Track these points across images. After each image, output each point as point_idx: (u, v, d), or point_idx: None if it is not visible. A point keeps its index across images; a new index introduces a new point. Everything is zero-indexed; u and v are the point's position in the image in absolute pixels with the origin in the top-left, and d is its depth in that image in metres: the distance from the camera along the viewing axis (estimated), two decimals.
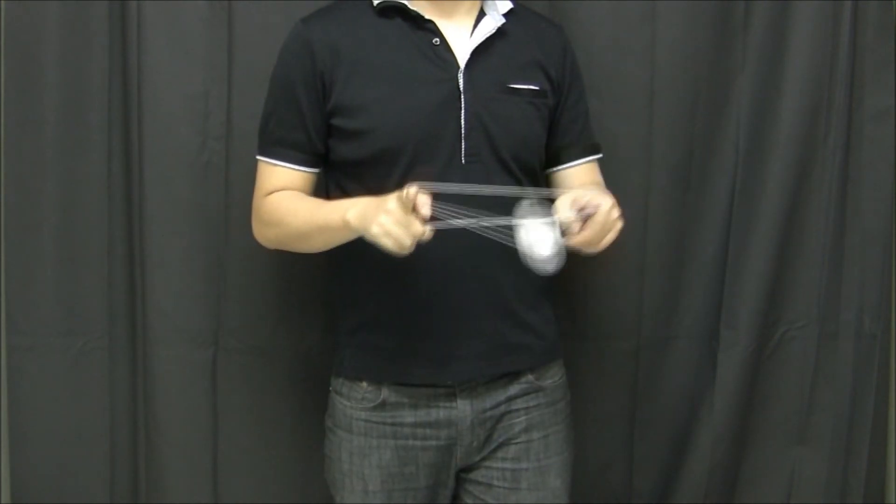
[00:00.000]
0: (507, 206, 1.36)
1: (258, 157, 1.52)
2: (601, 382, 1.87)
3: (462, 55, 1.45)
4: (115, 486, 1.83)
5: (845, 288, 1.89)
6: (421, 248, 1.27)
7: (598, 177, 1.62)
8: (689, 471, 1.92)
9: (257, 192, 1.53)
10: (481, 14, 1.49)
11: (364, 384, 1.50)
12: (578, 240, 1.33)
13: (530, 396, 1.53)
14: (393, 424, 1.48)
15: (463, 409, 1.49)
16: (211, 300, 1.77)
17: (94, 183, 1.75)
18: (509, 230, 1.33)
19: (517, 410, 1.52)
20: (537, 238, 1.30)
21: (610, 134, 1.75)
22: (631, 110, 1.80)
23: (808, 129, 1.84)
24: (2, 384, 1.80)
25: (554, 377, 1.57)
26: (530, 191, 1.40)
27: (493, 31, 1.47)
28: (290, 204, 1.47)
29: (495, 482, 1.53)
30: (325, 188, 1.53)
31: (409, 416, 1.48)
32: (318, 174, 1.52)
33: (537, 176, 1.54)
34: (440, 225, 1.27)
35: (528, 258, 1.31)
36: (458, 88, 1.44)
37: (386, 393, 1.48)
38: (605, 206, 1.32)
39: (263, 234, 1.54)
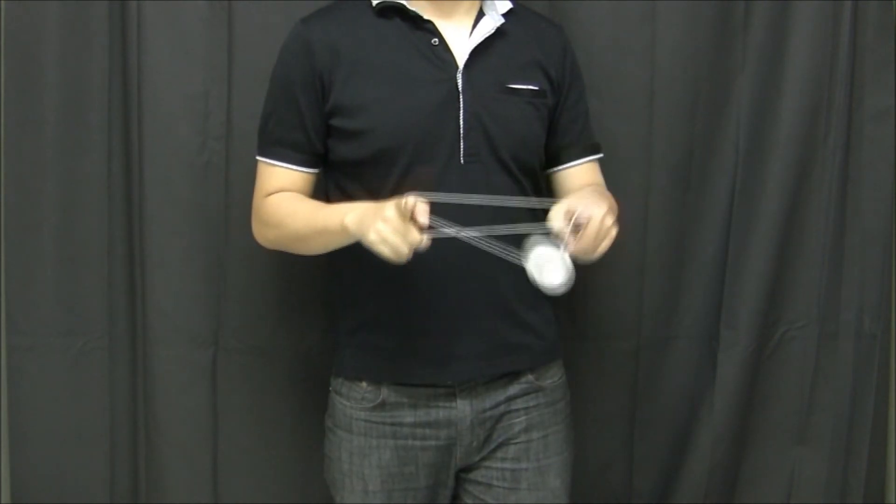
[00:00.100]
0: (504, 212, 1.37)
1: (258, 158, 1.52)
2: (601, 382, 1.87)
3: (461, 55, 1.45)
4: (115, 486, 1.83)
5: (845, 288, 1.89)
6: (419, 251, 1.27)
7: (599, 177, 1.62)
8: (689, 471, 1.92)
9: (257, 192, 1.53)
10: (480, 14, 1.49)
11: (364, 384, 1.50)
12: (573, 250, 1.32)
13: (530, 396, 1.53)
14: (393, 424, 1.48)
15: (462, 409, 1.49)
16: (211, 300, 1.77)
17: (94, 183, 1.76)
18: (506, 240, 1.33)
19: (517, 410, 1.52)
20: (549, 268, 1.30)
21: (610, 134, 1.75)
22: (631, 110, 1.80)
23: (808, 129, 1.84)
24: (2, 384, 1.80)
25: (554, 377, 1.57)
26: (531, 200, 1.40)
27: (493, 31, 1.47)
28: (290, 206, 1.47)
29: (495, 482, 1.53)
30: (325, 188, 1.53)
31: (408, 416, 1.48)
32: (317, 174, 1.52)
33: (537, 176, 1.54)
34: (438, 234, 1.27)
35: (538, 285, 1.31)
36: (457, 88, 1.44)
37: (386, 393, 1.48)
38: (598, 215, 1.31)
39: (263, 234, 1.54)
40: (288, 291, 1.79)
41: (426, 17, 1.46)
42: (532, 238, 1.32)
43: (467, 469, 1.53)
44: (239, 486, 1.83)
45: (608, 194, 1.56)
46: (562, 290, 1.32)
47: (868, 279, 1.88)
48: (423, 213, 1.25)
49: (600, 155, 1.62)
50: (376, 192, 1.43)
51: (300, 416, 1.80)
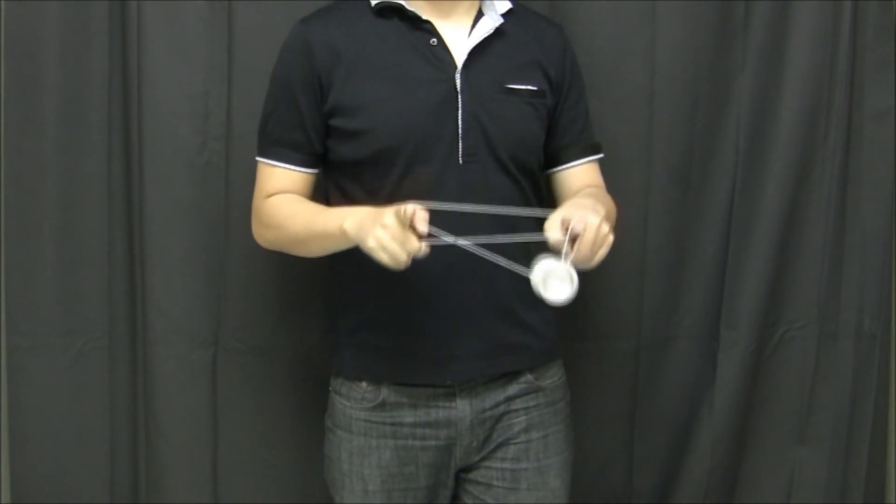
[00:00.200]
0: (502, 215, 1.37)
1: (257, 159, 1.52)
2: (601, 382, 1.87)
3: (460, 55, 1.45)
4: (115, 486, 1.83)
5: (845, 288, 1.89)
6: (418, 258, 1.27)
7: (599, 178, 1.61)
8: (689, 471, 1.92)
9: (257, 193, 1.53)
10: (480, 14, 1.49)
11: (364, 384, 1.50)
12: (571, 259, 1.32)
13: (530, 396, 1.53)
14: (392, 424, 1.49)
15: (462, 409, 1.49)
16: (211, 300, 1.77)
17: (94, 183, 1.75)
18: (505, 246, 1.33)
19: (516, 410, 1.52)
20: (554, 282, 1.30)
21: (610, 134, 1.74)
22: (631, 110, 1.80)
23: (808, 129, 1.84)
24: (2, 384, 1.80)
25: (553, 377, 1.57)
26: (527, 210, 1.40)
27: (491, 31, 1.47)
28: (290, 208, 1.47)
29: (495, 482, 1.53)
30: (325, 189, 1.53)
31: (408, 416, 1.48)
32: (317, 175, 1.52)
33: (536, 176, 1.54)
34: (436, 242, 1.27)
35: (544, 299, 1.31)
36: (456, 89, 1.44)
37: (385, 393, 1.48)
38: (594, 223, 1.31)
39: (263, 235, 1.54)
40: (288, 291, 1.79)
41: (425, 17, 1.46)
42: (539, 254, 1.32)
43: (467, 469, 1.53)
44: (239, 486, 1.83)
45: (607, 196, 1.56)
46: (566, 303, 1.32)
47: (868, 279, 1.88)
48: (422, 221, 1.25)
49: (600, 155, 1.62)
50: (375, 192, 1.43)
51: (300, 416, 1.80)
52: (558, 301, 1.30)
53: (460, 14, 1.48)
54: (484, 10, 1.49)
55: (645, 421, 1.90)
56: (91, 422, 1.80)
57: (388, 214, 1.26)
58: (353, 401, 1.50)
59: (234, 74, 1.73)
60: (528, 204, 1.50)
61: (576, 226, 1.29)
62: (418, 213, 1.24)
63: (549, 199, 1.60)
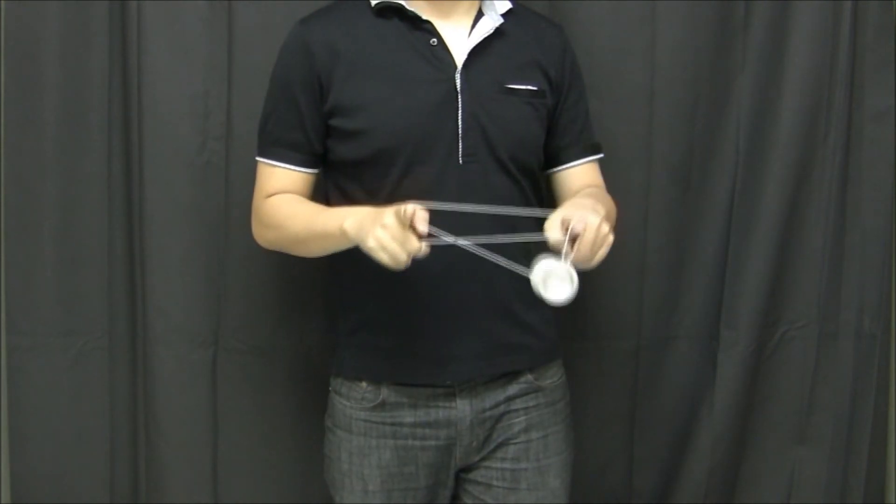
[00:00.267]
0: (502, 217, 1.37)
1: (257, 159, 1.52)
2: (601, 382, 1.87)
3: (459, 55, 1.45)
4: (115, 486, 1.83)
5: (845, 288, 1.89)
6: (418, 258, 1.27)
7: (598, 178, 1.61)
8: (689, 471, 1.92)
9: (257, 193, 1.53)
10: (480, 14, 1.49)
11: (363, 384, 1.50)
12: (571, 259, 1.32)
13: (529, 396, 1.53)
14: (392, 424, 1.49)
15: (462, 409, 1.49)
16: (211, 300, 1.77)
17: (94, 183, 1.76)
18: (505, 246, 1.33)
19: (516, 410, 1.52)
20: (554, 282, 1.30)
21: (610, 134, 1.74)
22: (631, 110, 1.80)
23: (808, 129, 1.84)
24: (2, 384, 1.80)
25: (553, 377, 1.57)
26: (527, 210, 1.40)
27: (491, 31, 1.47)
28: (290, 208, 1.47)
29: (494, 482, 1.53)
30: (325, 189, 1.53)
31: (408, 416, 1.48)
32: (316, 175, 1.52)
33: (535, 176, 1.54)
34: (436, 242, 1.27)
35: (544, 299, 1.30)
36: (456, 89, 1.44)
37: (385, 393, 1.48)
38: (594, 223, 1.30)
39: (263, 235, 1.54)
40: (288, 291, 1.79)
41: (425, 17, 1.45)
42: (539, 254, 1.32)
43: (467, 469, 1.53)
44: (239, 486, 1.83)
45: (607, 196, 1.56)
46: (566, 303, 1.32)
47: (868, 279, 1.88)
48: (422, 222, 1.25)
49: (600, 155, 1.62)
50: (375, 192, 1.43)
51: (300, 416, 1.80)
52: (558, 301, 1.30)
53: (460, 14, 1.48)
54: (484, 10, 1.49)
55: (645, 421, 1.89)
56: (91, 422, 1.80)
57: (389, 214, 1.26)
58: (353, 401, 1.50)
59: (234, 74, 1.73)
60: (527, 204, 1.50)
61: (576, 226, 1.29)
62: (418, 213, 1.24)
63: (549, 199, 1.60)
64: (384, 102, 1.42)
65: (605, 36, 1.78)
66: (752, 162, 1.84)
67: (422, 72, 1.44)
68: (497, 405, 1.51)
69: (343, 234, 1.34)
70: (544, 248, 1.32)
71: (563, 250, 1.29)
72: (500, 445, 1.52)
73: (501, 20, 1.49)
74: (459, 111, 1.44)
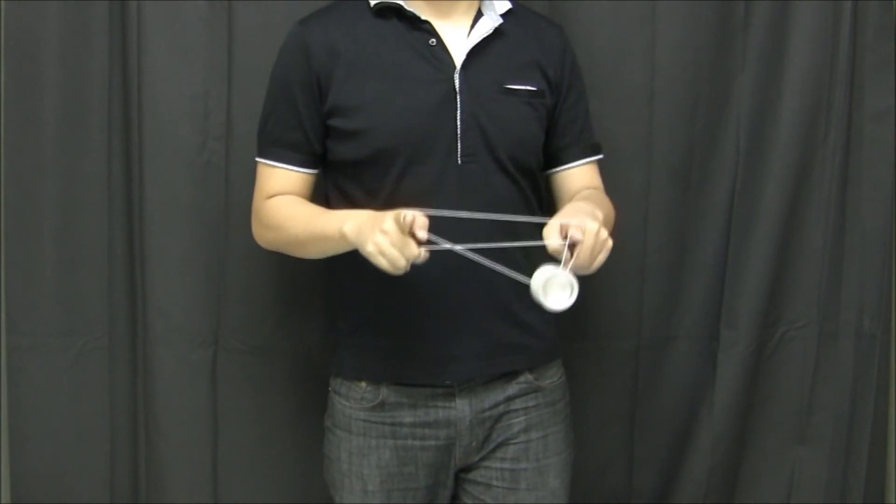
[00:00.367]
0: (501, 220, 1.37)
1: (257, 159, 1.52)
2: (601, 382, 1.87)
3: (458, 55, 1.45)
4: (115, 486, 1.83)
5: (845, 288, 1.89)
6: (417, 264, 1.27)
7: (597, 180, 1.61)
8: (689, 471, 1.92)
9: (257, 194, 1.53)
10: (479, 15, 1.49)
11: (363, 384, 1.50)
12: (570, 266, 1.31)
13: (529, 396, 1.53)
14: (392, 424, 1.49)
15: (462, 409, 1.49)
16: (211, 300, 1.77)
17: (94, 183, 1.76)
18: (504, 250, 1.33)
19: (516, 410, 1.52)
20: (554, 290, 1.29)
21: (610, 134, 1.74)
22: (631, 110, 1.80)
23: (808, 129, 1.84)
24: (2, 384, 1.80)
25: (553, 377, 1.57)
26: (525, 217, 1.40)
27: (490, 31, 1.47)
28: (290, 209, 1.48)
29: (494, 482, 1.53)
30: (324, 189, 1.53)
31: (407, 416, 1.48)
32: (316, 175, 1.52)
33: (535, 176, 1.54)
34: (436, 248, 1.27)
35: (543, 306, 1.30)
36: (454, 89, 1.44)
37: (385, 393, 1.48)
38: (593, 229, 1.30)
39: (262, 236, 1.54)
40: (288, 291, 1.79)
41: (424, 17, 1.45)
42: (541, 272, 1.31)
43: (466, 469, 1.53)
44: (239, 486, 1.83)
45: (605, 199, 1.56)
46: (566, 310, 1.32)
47: (868, 279, 1.88)
48: (421, 228, 1.25)
49: (599, 156, 1.62)
50: (374, 192, 1.44)
51: (300, 416, 1.80)
52: (558, 309, 1.30)
53: (459, 14, 1.48)
54: (483, 10, 1.49)
55: (645, 421, 1.89)
56: (91, 422, 1.80)
57: (388, 220, 1.26)
58: (353, 401, 1.50)
59: (234, 74, 1.73)
60: (527, 204, 1.50)
61: (574, 234, 1.29)
62: (418, 219, 1.24)
63: (548, 200, 1.60)
64: (383, 102, 1.42)
65: (605, 36, 1.78)
66: (752, 162, 1.84)
67: (421, 72, 1.44)
68: (497, 405, 1.51)
69: (342, 237, 1.34)
70: (544, 251, 1.32)
71: (563, 257, 1.29)
72: (499, 445, 1.52)
73: (501, 20, 1.48)
74: (458, 111, 1.43)
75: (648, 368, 1.88)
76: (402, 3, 1.46)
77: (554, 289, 1.29)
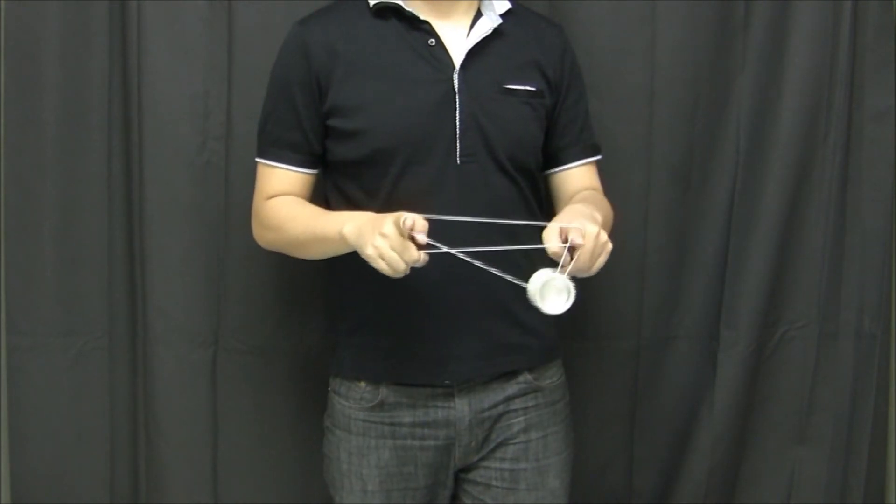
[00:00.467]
0: (501, 216, 1.37)
1: (257, 160, 1.52)
2: (601, 382, 1.87)
3: (458, 56, 1.45)
4: (115, 486, 1.83)
5: (845, 288, 1.89)
6: (416, 267, 1.27)
7: (596, 180, 1.61)
8: (689, 471, 1.92)
9: (257, 194, 1.53)
10: (478, 15, 1.49)
11: (362, 384, 1.50)
12: (570, 269, 1.31)
13: (529, 396, 1.53)
14: (391, 424, 1.49)
15: (461, 409, 1.49)
16: (211, 300, 1.77)
17: (94, 183, 1.76)
18: (504, 251, 1.33)
19: (515, 410, 1.52)
20: (551, 293, 1.29)
21: (610, 134, 1.75)
22: (631, 110, 1.80)
23: (808, 129, 1.84)
24: (2, 384, 1.80)
25: (553, 377, 1.57)
26: (523, 221, 1.40)
27: (490, 31, 1.47)
28: (290, 210, 1.48)
29: (494, 482, 1.53)
30: (324, 189, 1.54)
31: (407, 416, 1.48)
32: (316, 175, 1.52)
33: (534, 176, 1.54)
34: (435, 251, 1.27)
35: (541, 310, 1.30)
36: (454, 89, 1.44)
37: (384, 393, 1.48)
38: (593, 232, 1.30)
39: (262, 236, 1.54)
40: (288, 291, 1.79)
41: (423, 17, 1.45)
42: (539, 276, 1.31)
43: (466, 469, 1.53)
44: (239, 486, 1.83)
45: (604, 200, 1.56)
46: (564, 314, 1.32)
47: (868, 279, 1.88)
48: (421, 232, 1.25)
49: (599, 156, 1.62)
50: (374, 192, 1.44)
51: (300, 416, 1.80)
52: (555, 313, 1.30)
53: (459, 14, 1.48)
54: (483, 10, 1.49)
55: (645, 421, 1.89)
56: (91, 422, 1.80)
57: (388, 223, 1.26)
58: (352, 401, 1.50)
59: (234, 74, 1.73)
60: (526, 204, 1.50)
61: (575, 238, 1.29)
62: (418, 223, 1.24)
63: (547, 200, 1.60)
64: (382, 103, 1.42)
65: (605, 36, 1.78)
66: (752, 162, 1.84)
67: (420, 72, 1.44)
68: (496, 405, 1.51)
69: (342, 239, 1.34)
70: (543, 253, 1.32)
71: (562, 261, 1.29)
72: (499, 445, 1.52)
73: (500, 20, 1.48)
74: (457, 111, 1.43)
75: (648, 368, 1.88)
76: (401, 3, 1.46)
77: (551, 293, 1.29)
